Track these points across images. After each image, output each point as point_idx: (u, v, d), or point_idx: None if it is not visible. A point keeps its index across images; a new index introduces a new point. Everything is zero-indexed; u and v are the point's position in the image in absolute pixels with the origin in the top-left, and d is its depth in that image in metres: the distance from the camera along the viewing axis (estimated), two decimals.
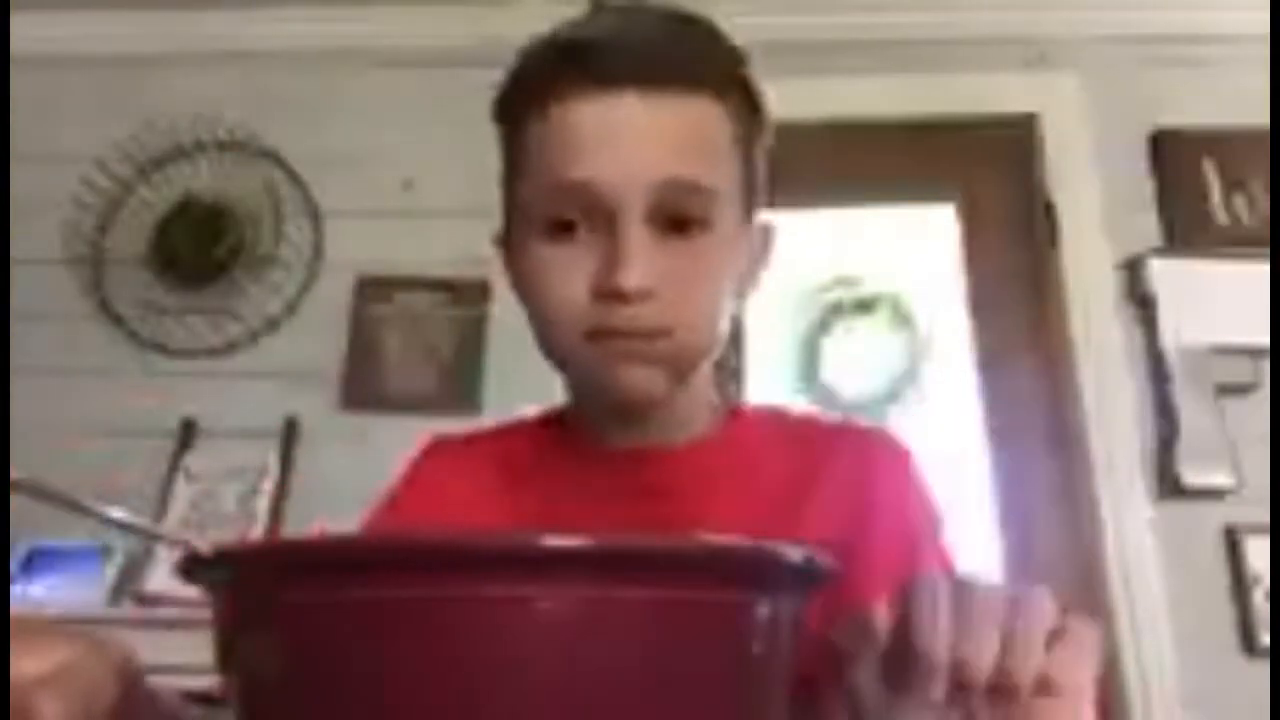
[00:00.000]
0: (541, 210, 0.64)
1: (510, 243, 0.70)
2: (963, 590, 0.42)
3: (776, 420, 0.78)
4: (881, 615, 0.43)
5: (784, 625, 0.39)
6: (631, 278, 0.61)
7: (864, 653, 0.43)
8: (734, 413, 0.77)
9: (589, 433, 0.73)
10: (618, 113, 0.63)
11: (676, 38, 0.66)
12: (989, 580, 0.43)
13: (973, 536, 1.95)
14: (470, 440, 0.80)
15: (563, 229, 0.63)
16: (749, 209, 0.70)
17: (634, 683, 0.35)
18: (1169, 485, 1.88)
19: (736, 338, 2.07)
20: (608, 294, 0.61)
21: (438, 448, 0.79)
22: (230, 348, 2.06)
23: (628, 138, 0.63)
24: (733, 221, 0.67)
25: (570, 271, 0.63)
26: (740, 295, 0.72)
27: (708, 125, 0.65)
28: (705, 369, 0.71)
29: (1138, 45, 2.16)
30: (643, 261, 0.61)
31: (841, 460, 0.73)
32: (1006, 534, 1.94)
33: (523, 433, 0.79)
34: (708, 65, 0.66)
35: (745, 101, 0.68)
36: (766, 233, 0.74)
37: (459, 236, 1.83)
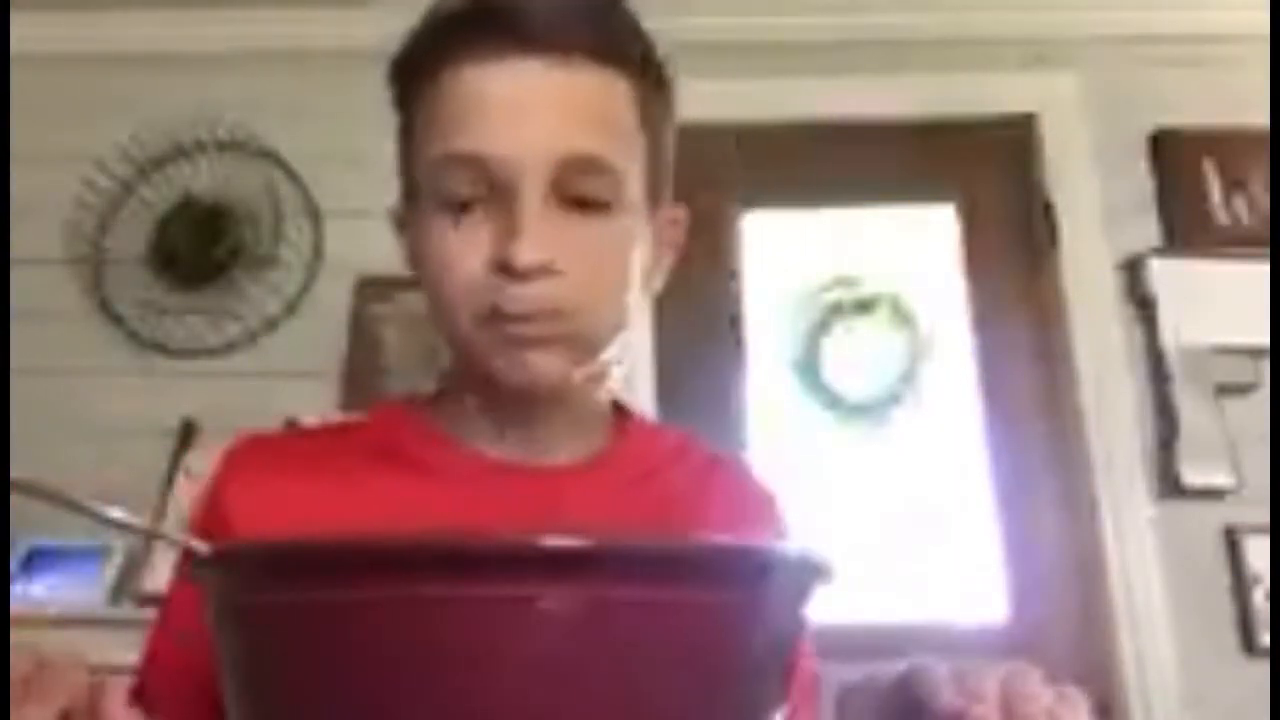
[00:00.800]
0: (436, 184, 0.61)
1: (406, 219, 0.67)
2: (959, 665, 0.43)
3: (660, 437, 0.76)
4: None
5: (783, 625, 0.39)
6: (526, 252, 0.57)
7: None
8: (624, 421, 0.73)
9: (467, 435, 0.68)
10: (519, 81, 0.59)
11: (586, 9, 0.62)
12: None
13: (973, 536, 1.95)
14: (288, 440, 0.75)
15: (459, 205, 0.60)
16: (655, 195, 0.67)
17: (633, 683, 0.35)
18: (1169, 485, 1.88)
19: (737, 337, 2.07)
20: (502, 268, 0.58)
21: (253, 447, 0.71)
22: (230, 348, 2.06)
23: (529, 107, 0.59)
24: (639, 205, 0.64)
25: (466, 248, 0.60)
26: (647, 287, 0.68)
27: (615, 102, 0.62)
28: (601, 365, 0.67)
29: (1138, 45, 2.16)
30: (540, 236, 0.58)
31: (718, 495, 0.72)
32: (1006, 534, 1.94)
33: (367, 431, 0.72)
34: (617, 40, 0.62)
35: (655, 84, 0.65)
36: (676, 224, 0.71)
37: None
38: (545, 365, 0.61)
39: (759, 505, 0.75)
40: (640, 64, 0.64)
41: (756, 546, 0.38)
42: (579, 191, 0.60)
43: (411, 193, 0.65)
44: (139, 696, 0.57)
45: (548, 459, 0.68)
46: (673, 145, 0.69)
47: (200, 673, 0.56)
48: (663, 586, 0.35)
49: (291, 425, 0.74)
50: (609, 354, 0.66)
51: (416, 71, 0.63)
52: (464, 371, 0.68)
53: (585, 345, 0.62)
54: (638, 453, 0.71)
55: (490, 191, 0.59)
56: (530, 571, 0.34)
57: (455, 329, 0.62)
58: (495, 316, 0.59)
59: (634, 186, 0.63)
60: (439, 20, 0.63)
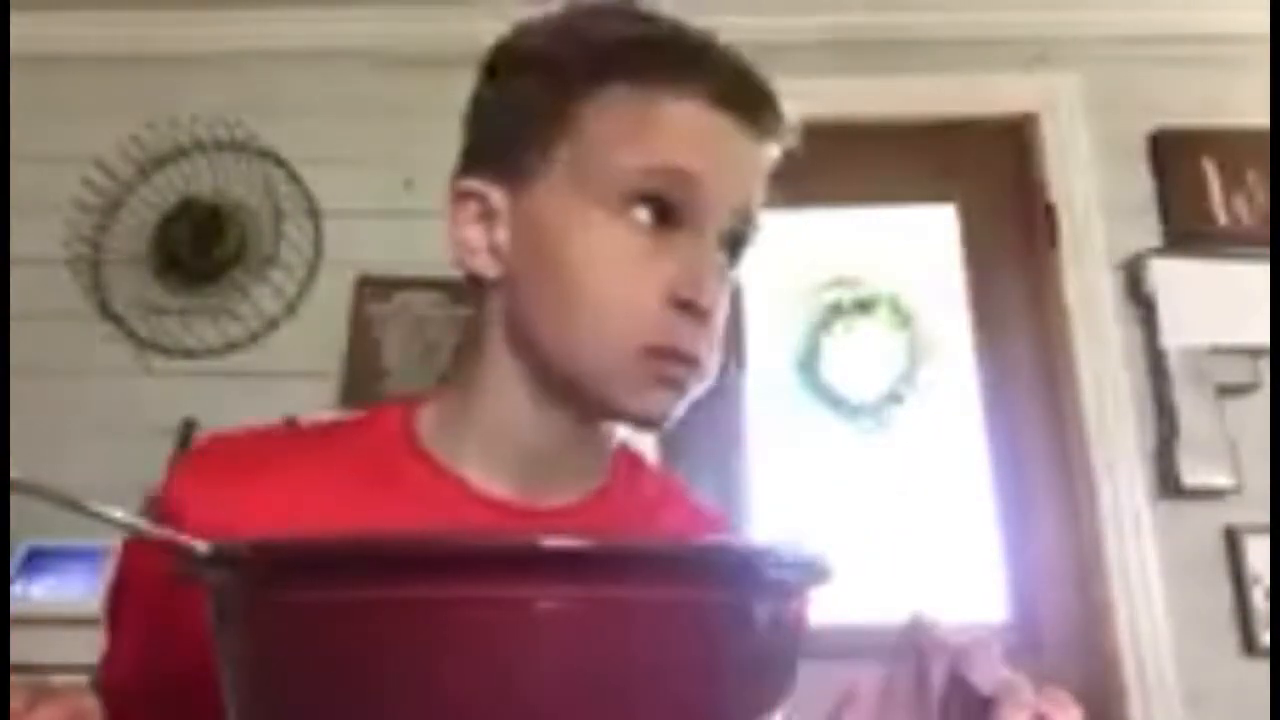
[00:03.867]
0: (634, 187, 0.59)
1: (549, 202, 0.61)
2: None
3: (646, 483, 0.73)
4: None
5: (782, 624, 0.40)
6: (710, 294, 0.58)
7: None
8: (625, 459, 0.71)
9: (460, 461, 0.64)
10: (735, 139, 0.62)
11: (765, 82, 0.66)
12: None
13: (973, 536, 1.95)
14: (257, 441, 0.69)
15: (657, 215, 0.59)
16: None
17: (632, 683, 0.35)
18: (1169, 485, 1.88)
19: (738, 338, 2.06)
20: (685, 306, 0.58)
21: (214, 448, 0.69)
22: (230, 348, 2.06)
23: (738, 162, 0.62)
24: None
25: (647, 273, 0.58)
26: None
27: (768, 170, 0.66)
28: None
29: (1138, 45, 2.16)
30: (715, 279, 0.59)
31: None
32: (1006, 534, 1.94)
33: (359, 437, 0.67)
34: (783, 124, 0.67)
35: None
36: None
37: None
38: (675, 407, 0.61)
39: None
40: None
41: (756, 547, 0.38)
42: (737, 242, 0.63)
43: (567, 180, 0.61)
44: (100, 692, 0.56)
45: (541, 499, 0.65)
46: None
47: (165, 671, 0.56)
48: (662, 586, 0.35)
49: (290, 423, 0.68)
50: None
51: (604, 73, 0.61)
52: (519, 384, 0.63)
53: (692, 395, 0.62)
54: (622, 501, 0.68)
55: (682, 218, 0.60)
56: (530, 571, 0.34)
57: (605, 348, 0.59)
58: (659, 354, 0.58)
59: None
60: (645, 36, 0.62)
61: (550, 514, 0.64)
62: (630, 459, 0.72)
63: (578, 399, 0.62)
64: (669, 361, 0.58)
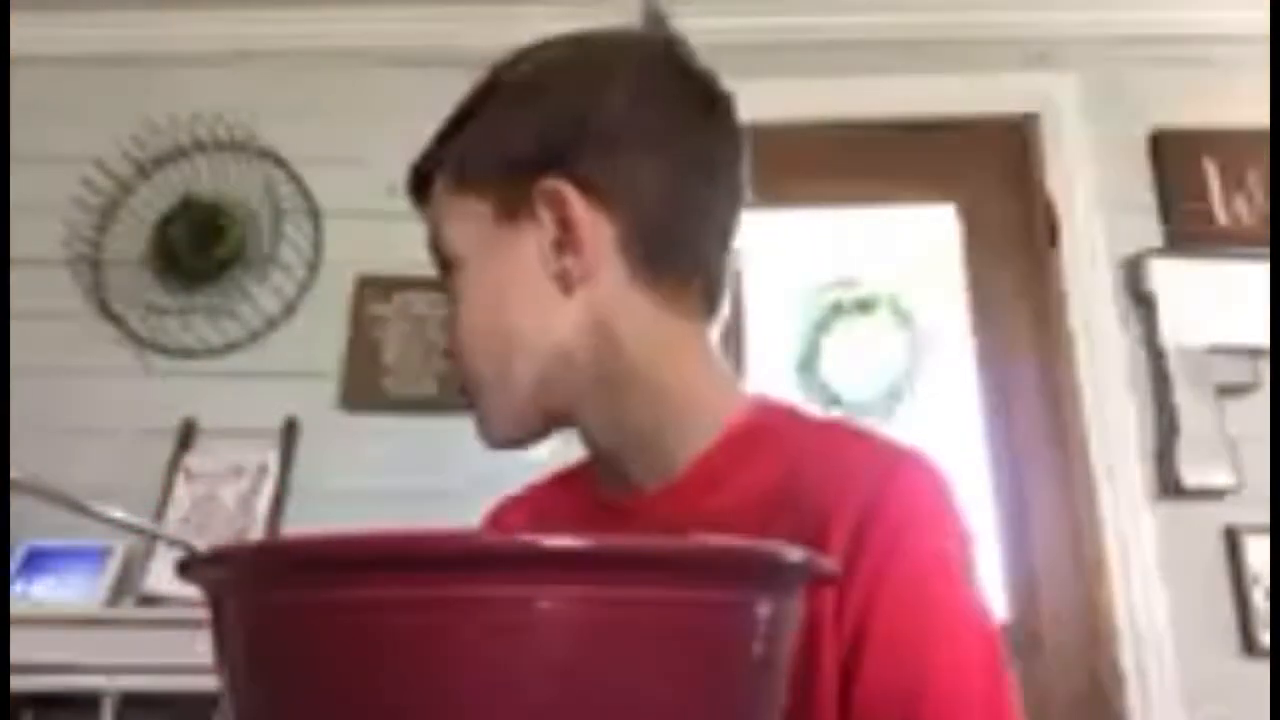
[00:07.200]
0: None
1: (590, 276, 0.64)
2: None
3: (787, 430, 0.67)
4: None
5: (784, 625, 0.39)
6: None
7: None
8: (733, 439, 0.66)
9: (595, 485, 0.72)
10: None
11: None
12: None
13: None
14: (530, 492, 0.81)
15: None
16: (511, 202, 0.65)
17: (633, 683, 0.35)
18: (1169, 485, 1.88)
19: (738, 337, 2.07)
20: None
21: (505, 505, 0.80)
22: (230, 348, 2.06)
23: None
24: (488, 239, 0.66)
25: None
26: (564, 280, 0.64)
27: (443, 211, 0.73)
28: (623, 371, 0.65)
29: (1138, 45, 2.16)
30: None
31: (851, 501, 0.60)
32: (1006, 534, 1.94)
33: (556, 489, 0.78)
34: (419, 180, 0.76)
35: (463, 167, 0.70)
36: (554, 196, 0.63)
37: None
38: (478, 424, 0.68)
39: (899, 517, 0.63)
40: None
41: (756, 546, 0.38)
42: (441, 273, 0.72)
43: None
44: None
45: (641, 488, 0.68)
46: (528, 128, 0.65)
47: None
48: (663, 586, 0.35)
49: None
50: (528, 372, 0.65)
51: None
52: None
53: (480, 392, 0.67)
54: (708, 485, 0.65)
55: None
56: (530, 571, 0.34)
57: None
58: None
59: (478, 237, 0.67)
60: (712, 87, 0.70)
61: (635, 507, 0.67)
62: (749, 429, 0.67)
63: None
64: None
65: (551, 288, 0.64)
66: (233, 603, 0.38)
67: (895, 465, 0.65)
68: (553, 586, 0.34)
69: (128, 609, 1.76)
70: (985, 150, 2.15)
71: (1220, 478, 1.87)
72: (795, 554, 0.39)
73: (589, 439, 0.69)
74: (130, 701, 1.65)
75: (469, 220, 0.67)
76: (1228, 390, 1.92)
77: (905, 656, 0.57)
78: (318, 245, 2.12)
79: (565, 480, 0.77)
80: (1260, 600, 1.81)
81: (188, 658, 1.53)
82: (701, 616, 0.36)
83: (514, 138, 0.65)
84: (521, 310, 0.64)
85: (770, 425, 0.68)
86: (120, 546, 1.82)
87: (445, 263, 0.69)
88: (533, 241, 0.64)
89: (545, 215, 0.63)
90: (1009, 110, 2.15)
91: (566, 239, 0.63)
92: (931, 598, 0.59)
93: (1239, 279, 1.98)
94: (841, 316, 2.11)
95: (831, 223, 2.17)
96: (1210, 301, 1.96)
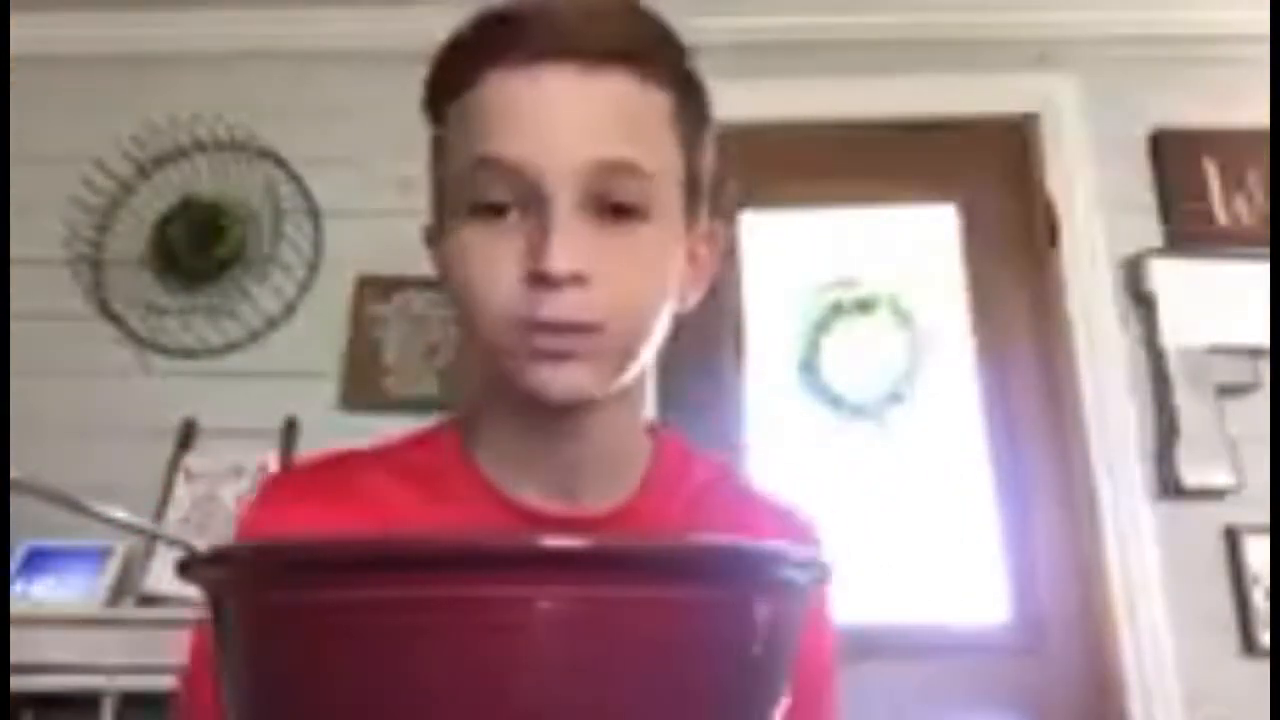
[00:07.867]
0: (468, 192, 0.59)
1: (437, 233, 0.65)
2: None
3: (694, 470, 0.72)
4: None
5: (783, 625, 0.39)
6: (558, 260, 0.56)
7: None
8: (659, 448, 0.70)
9: (500, 478, 0.66)
10: (551, 86, 0.58)
11: (618, 15, 0.61)
12: None
13: (973, 536, 1.95)
14: (315, 472, 0.70)
15: (491, 212, 0.59)
16: (693, 207, 0.65)
17: (632, 683, 0.35)
18: (1169, 485, 1.88)
19: (737, 337, 2.07)
20: (534, 278, 0.57)
21: (279, 483, 0.72)
22: (230, 348, 2.06)
23: (561, 113, 0.58)
24: (675, 215, 0.63)
25: (499, 256, 0.58)
26: (682, 301, 0.66)
27: (647, 107, 0.61)
28: (633, 385, 0.65)
29: (1138, 45, 2.16)
30: (573, 245, 0.56)
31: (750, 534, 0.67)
32: (1007, 534, 1.94)
33: (413, 455, 0.69)
34: (649, 45, 0.61)
35: (689, 94, 0.64)
36: (714, 238, 0.68)
37: None
38: (572, 379, 0.59)
39: (797, 537, 0.71)
40: (673, 70, 0.63)
41: (756, 546, 0.38)
42: (613, 197, 0.59)
43: (442, 205, 0.64)
44: None
45: (584, 504, 0.66)
46: (711, 157, 0.67)
47: None
48: (662, 586, 0.35)
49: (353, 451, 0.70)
50: (637, 371, 0.64)
51: (449, 83, 0.62)
52: (495, 392, 0.66)
53: (615, 360, 0.61)
54: (664, 498, 0.68)
55: (524, 201, 0.58)
56: (530, 571, 0.34)
57: (485, 343, 0.60)
58: (526, 327, 0.58)
59: (669, 194, 0.62)
60: (470, 31, 0.62)
61: (591, 520, 0.65)
62: (679, 449, 0.72)
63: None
64: (538, 333, 0.58)
65: (676, 291, 0.65)
66: (233, 603, 0.38)
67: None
68: (553, 586, 0.34)
69: (128, 609, 1.76)
70: (985, 150, 2.15)
71: (1220, 478, 1.87)
72: (798, 553, 0.39)
73: (575, 442, 0.65)
74: (130, 701, 1.65)
75: (669, 176, 0.62)
76: (1228, 390, 1.92)
77: None
78: (318, 245, 2.12)
79: (440, 470, 0.68)
80: (1260, 600, 1.81)
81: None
82: (701, 616, 0.36)
83: (707, 160, 0.67)
84: (668, 301, 0.64)
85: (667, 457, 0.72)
86: (120, 546, 1.82)
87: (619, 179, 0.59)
88: (685, 243, 0.65)
89: (703, 247, 0.67)
90: (1009, 110, 2.15)
91: (699, 270, 0.68)
92: (828, 696, 0.68)
93: (1239, 279, 1.98)
94: (841, 317, 2.11)
95: (831, 223, 2.17)
96: (1210, 301, 1.97)
